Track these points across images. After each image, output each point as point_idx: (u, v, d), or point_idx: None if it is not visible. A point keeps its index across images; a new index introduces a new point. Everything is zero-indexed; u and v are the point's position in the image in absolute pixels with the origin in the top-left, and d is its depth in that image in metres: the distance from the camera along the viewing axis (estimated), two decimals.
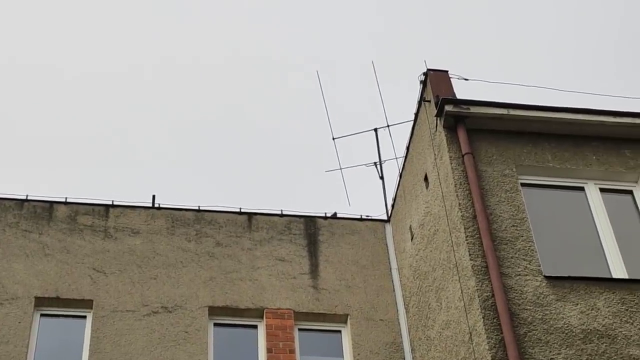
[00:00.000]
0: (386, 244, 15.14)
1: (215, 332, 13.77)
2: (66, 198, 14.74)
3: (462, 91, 13.39)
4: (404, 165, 14.82)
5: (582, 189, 12.90)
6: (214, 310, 13.82)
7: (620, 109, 13.27)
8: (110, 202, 14.84)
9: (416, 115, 14.15)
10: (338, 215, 15.41)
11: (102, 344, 13.11)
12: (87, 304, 13.60)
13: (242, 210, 15.12)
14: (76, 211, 14.63)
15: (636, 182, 13.04)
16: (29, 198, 14.66)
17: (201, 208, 15.03)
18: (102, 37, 35.80)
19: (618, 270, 11.98)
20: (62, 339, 13.41)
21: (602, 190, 12.92)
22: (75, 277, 13.80)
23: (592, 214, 12.61)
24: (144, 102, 35.05)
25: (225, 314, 13.89)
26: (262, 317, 13.90)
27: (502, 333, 10.85)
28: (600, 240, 12.31)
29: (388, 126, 16.42)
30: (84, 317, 13.60)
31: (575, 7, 38.10)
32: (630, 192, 13.00)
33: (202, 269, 14.20)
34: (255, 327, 13.93)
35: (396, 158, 15.88)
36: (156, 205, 14.93)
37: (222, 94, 36.09)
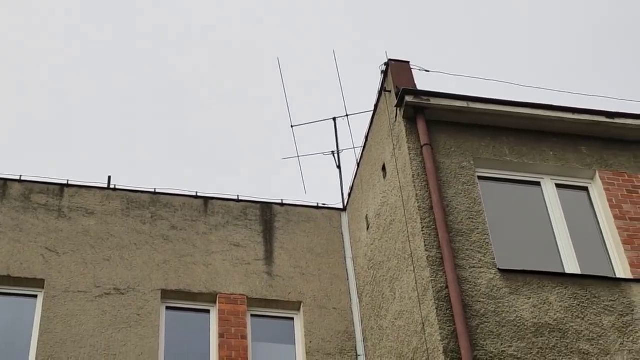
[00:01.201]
0: (342, 233, 15.15)
1: (167, 315, 13.70)
2: (20, 176, 14.58)
3: (423, 83, 13.42)
4: (362, 154, 14.82)
5: (538, 184, 12.98)
6: (166, 294, 13.75)
7: (579, 106, 13.37)
8: (66, 182, 14.71)
9: (376, 105, 14.15)
10: (294, 203, 15.38)
11: (53, 324, 12.99)
12: (38, 283, 13.47)
13: (199, 195, 15.05)
14: (30, 189, 14.47)
15: (592, 179, 13.14)
16: None
17: (157, 190, 14.94)
18: (42, 18, 35.47)
19: (571, 265, 12.07)
20: (12, 318, 13.27)
21: (558, 186, 13.01)
22: (28, 255, 13.66)
23: (547, 209, 12.69)
24: (104, 81, 34.77)
25: (178, 298, 13.82)
26: (215, 302, 13.85)
27: (454, 324, 10.88)
28: (554, 236, 12.40)
29: (347, 115, 16.41)
30: (35, 296, 13.46)
31: (541, 2, 38.30)
32: (586, 189, 13.10)
33: (156, 252, 14.11)
34: (207, 311, 13.87)
35: (354, 147, 15.88)
36: (112, 187, 14.82)
37: (183, 78, 35.90)
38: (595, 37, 38.52)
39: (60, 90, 34.11)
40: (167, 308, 13.75)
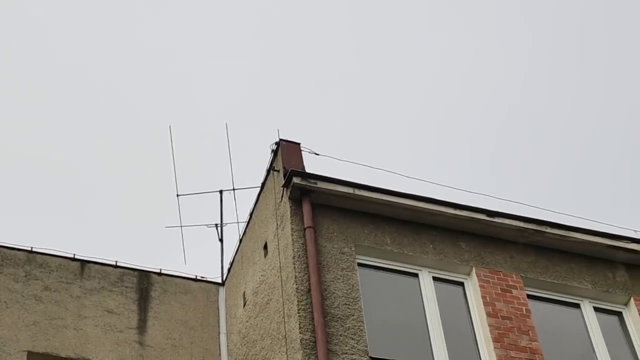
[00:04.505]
0: (218, 307, 15.06)
1: None
2: None
3: (312, 165, 13.53)
4: (245, 230, 14.82)
5: (416, 275, 13.12)
6: (32, 356, 13.40)
7: (461, 202, 13.63)
8: None
9: (263, 183, 14.20)
10: (172, 273, 15.27)
11: None
12: None
13: (76, 257, 14.80)
14: None
15: (468, 275, 13.34)
16: None
17: (33, 249, 14.65)
18: None
19: (441, 358, 12.18)
20: None
21: (435, 278, 13.16)
22: None
23: (423, 301, 12.82)
24: None
25: None
26: None
27: None
28: (427, 327, 12.51)
29: (234, 190, 16.42)
30: None
31: (437, 101, 39.14)
32: (462, 284, 13.29)
33: (27, 312, 13.79)
34: None
35: (238, 222, 15.88)
36: None
37: (70, 134, 35.48)
38: (489, 137, 39.46)
39: None
40: None
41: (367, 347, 11.71)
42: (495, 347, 12.40)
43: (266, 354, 12.59)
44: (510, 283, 13.33)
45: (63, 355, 13.51)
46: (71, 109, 35.66)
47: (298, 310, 11.74)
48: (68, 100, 36.04)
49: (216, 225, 16.57)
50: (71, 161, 34.94)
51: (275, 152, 13.87)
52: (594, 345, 13.34)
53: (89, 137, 35.36)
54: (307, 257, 12.27)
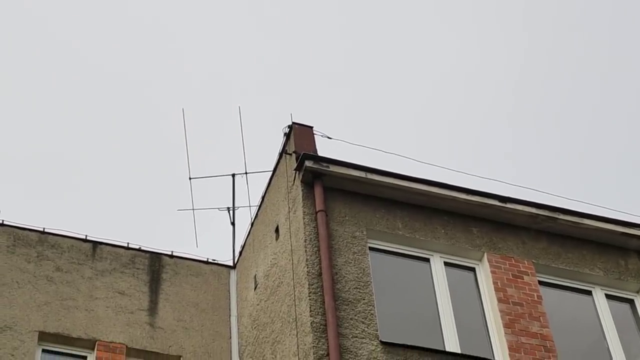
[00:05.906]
0: (229, 290, 15.06)
1: (42, 358, 13.37)
2: None
3: (325, 149, 13.50)
4: (257, 214, 14.81)
5: (427, 260, 13.10)
6: (44, 336, 13.44)
7: (474, 188, 13.59)
8: None
9: (276, 166, 14.19)
10: (184, 256, 15.27)
11: None
12: None
13: (88, 238, 14.82)
14: None
15: (480, 260, 13.32)
16: None
17: (46, 230, 14.66)
18: None
19: (452, 343, 12.18)
20: None
21: (446, 264, 13.14)
22: None
23: (434, 286, 12.80)
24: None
25: (55, 341, 13.52)
26: (93, 349, 13.59)
27: None
28: (438, 312, 12.50)
29: (246, 173, 16.39)
30: None
31: (444, 84, 39.06)
32: (473, 270, 13.26)
33: (38, 292, 13.82)
34: (84, 358, 13.59)
35: (250, 206, 15.86)
36: None
37: (82, 119, 35.53)
38: (503, 122, 39.37)
39: None
40: (44, 351, 13.43)
41: (377, 331, 11.71)
42: (506, 333, 12.38)
43: (276, 337, 12.60)
44: (522, 269, 13.30)
45: (74, 335, 13.55)
46: (83, 92, 35.71)
47: (309, 293, 11.74)
48: (79, 83, 36.09)
49: (228, 208, 16.57)
50: (84, 144, 34.99)
51: (287, 136, 13.85)
52: (605, 333, 13.31)
53: (102, 120, 35.43)
54: (318, 241, 12.26)
